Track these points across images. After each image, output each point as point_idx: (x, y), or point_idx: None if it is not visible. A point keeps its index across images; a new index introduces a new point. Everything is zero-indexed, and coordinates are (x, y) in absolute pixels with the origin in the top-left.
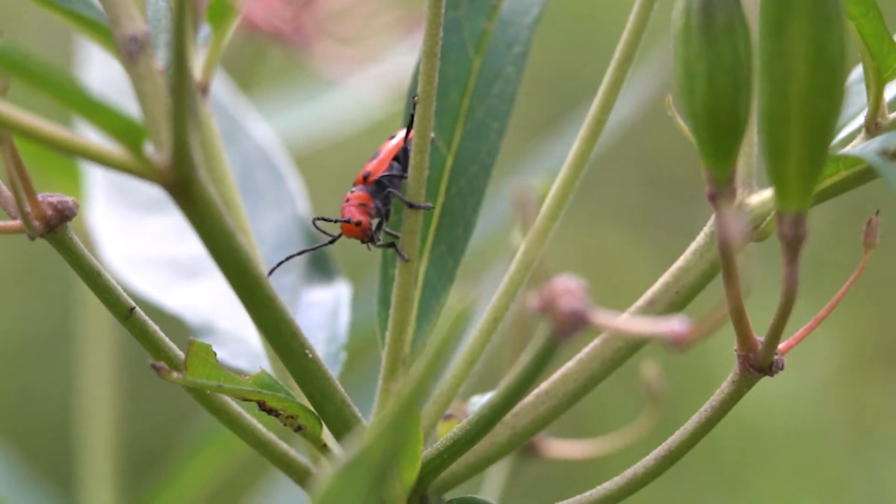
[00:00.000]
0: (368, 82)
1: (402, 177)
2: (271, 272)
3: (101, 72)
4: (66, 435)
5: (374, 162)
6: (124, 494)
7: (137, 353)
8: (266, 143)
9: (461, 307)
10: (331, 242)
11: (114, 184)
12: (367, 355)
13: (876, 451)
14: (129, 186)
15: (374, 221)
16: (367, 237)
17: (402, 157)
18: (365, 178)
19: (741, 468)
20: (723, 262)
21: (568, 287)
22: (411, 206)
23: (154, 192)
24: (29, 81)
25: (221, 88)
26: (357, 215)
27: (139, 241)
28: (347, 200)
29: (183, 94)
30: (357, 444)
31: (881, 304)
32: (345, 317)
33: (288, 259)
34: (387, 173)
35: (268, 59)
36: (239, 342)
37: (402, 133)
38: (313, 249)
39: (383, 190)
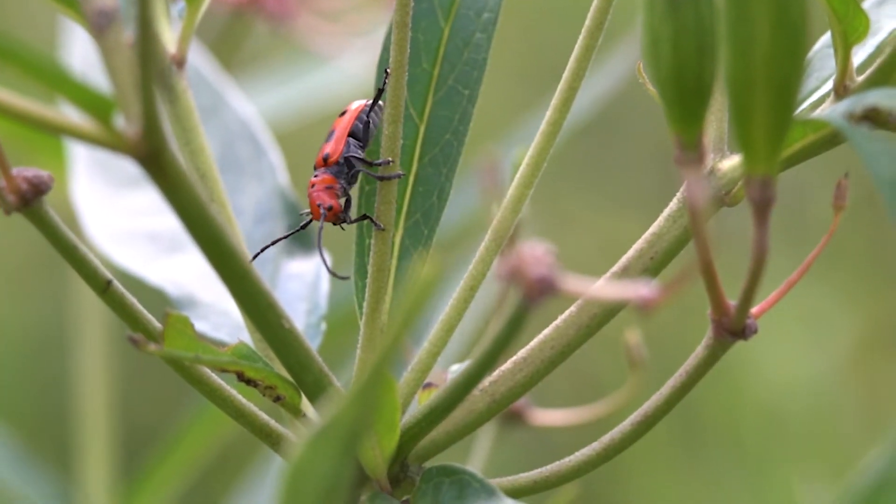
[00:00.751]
0: (354, 56)
1: (361, 155)
2: (254, 258)
3: (83, 49)
4: (63, 415)
5: (331, 142)
6: (121, 472)
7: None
8: (248, 117)
9: (429, 273)
10: (302, 228)
11: (96, 160)
12: (351, 330)
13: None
14: (110, 163)
15: (342, 201)
16: (339, 220)
17: (358, 131)
18: (325, 160)
19: (760, 450)
20: (693, 226)
21: (535, 253)
22: (382, 178)
23: (133, 169)
24: None
25: (205, 64)
26: (327, 200)
27: (121, 216)
28: (313, 186)
29: (150, 67)
30: (328, 410)
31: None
32: (324, 288)
33: (269, 246)
34: (346, 153)
35: (255, 36)
36: (221, 314)
37: (353, 106)
38: (288, 236)
39: (346, 169)
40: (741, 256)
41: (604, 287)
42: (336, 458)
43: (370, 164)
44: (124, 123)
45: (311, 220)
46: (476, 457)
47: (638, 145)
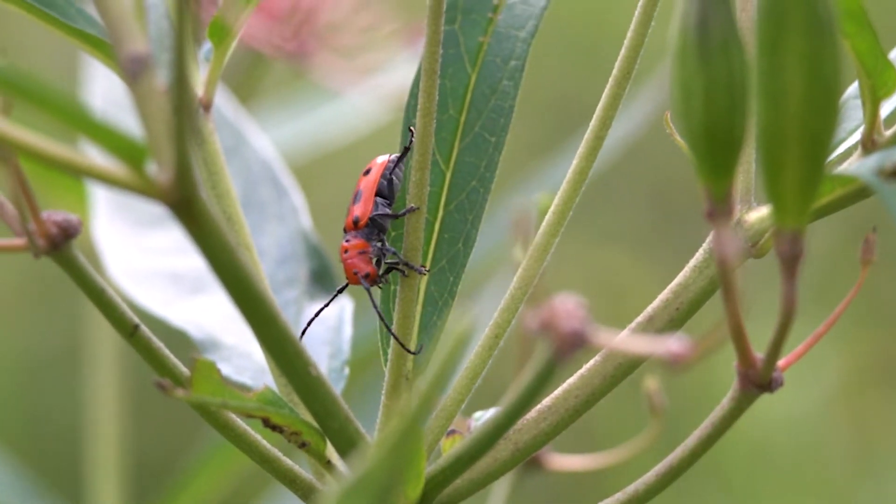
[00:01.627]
0: (368, 92)
1: (389, 211)
2: (302, 335)
3: (105, 86)
4: (75, 449)
5: (360, 204)
6: None
7: (144, 371)
8: (269, 157)
9: (461, 328)
10: (339, 293)
11: (116, 200)
12: (369, 369)
13: (880, 469)
14: (131, 202)
15: (375, 259)
16: (375, 283)
17: (384, 188)
18: (355, 224)
19: (746, 485)
20: (721, 279)
21: (567, 307)
22: (399, 216)
23: (156, 208)
24: (30, 102)
25: (224, 102)
26: (363, 267)
27: (142, 256)
28: (346, 251)
29: (184, 115)
30: (362, 462)
31: (884, 323)
32: (348, 332)
33: (313, 319)
34: (374, 212)
35: (269, 71)
36: (243, 357)
37: (378, 163)
38: (330, 301)
39: (376, 229)
40: (764, 305)
41: (635, 341)
42: None
43: (398, 217)
44: (156, 170)
45: (346, 285)
46: (494, 501)
47: (631, 183)
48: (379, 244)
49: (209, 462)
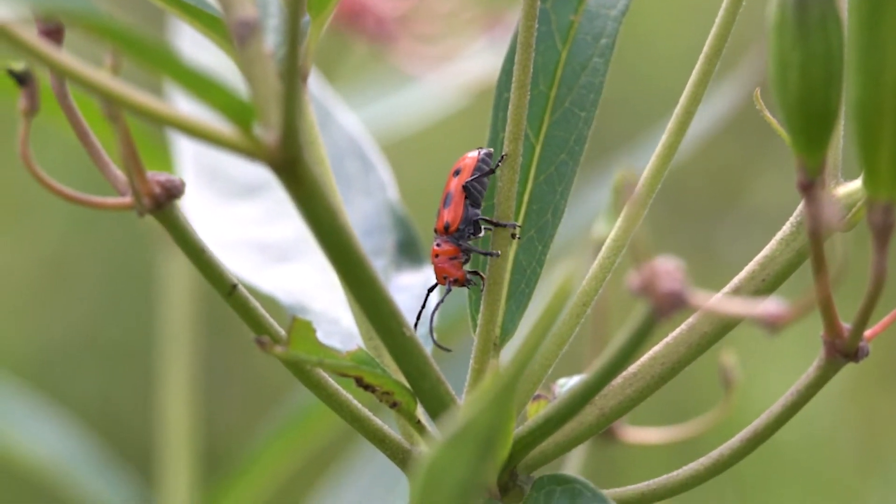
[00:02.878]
0: (446, 78)
1: (479, 215)
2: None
3: (189, 50)
4: (146, 423)
5: (450, 209)
6: (202, 481)
7: (215, 355)
8: (355, 132)
9: (564, 279)
10: (430, 292)
11: (204, 171)
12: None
13: (890, 465)
14: (218, 174)
15: (466, 266)
16: (463, 285)
17: (472, 192)
18: (446, 229)
19: (757, 480)
20: (813, 249)
21: (667, 267)
22: (497, 224)
23: (243, 180)
24: (146, 61)
25: (312, 79)
26: (452, 272)
27: (230, 225)
28: (437, 256)
29: (294, 77)
30: (462, 415)
31: None
32: (433, 301)
33: (425, 315)
34: (465, 217)
35: (350, 54)
36: (332, 322)
37: (466, 163)
38: (440, 304)
39: (465, 233)
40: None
41: (732, 304)
42: (472, 461)
43: (490, 222)
44: (262, 131)
45: (435, 285)
46: (569, 470)
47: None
48: (467, 247)
49: (273, 443)
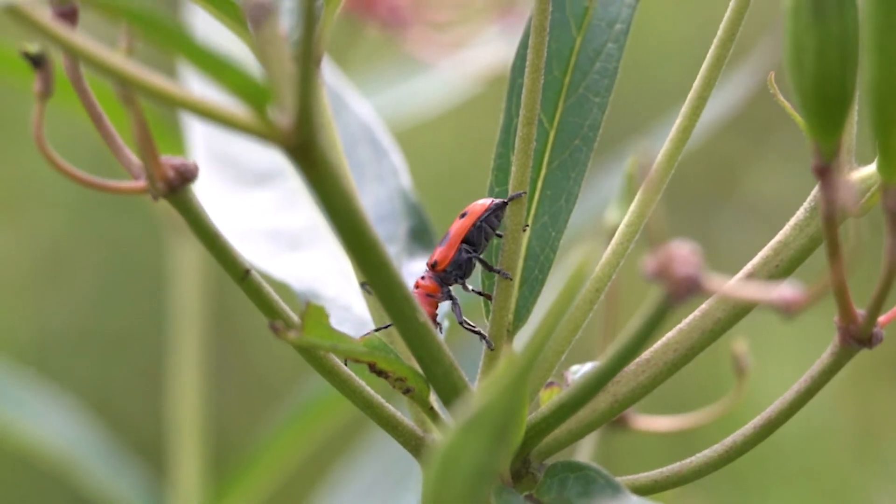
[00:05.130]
0: (458, 66)
1: (472, 256)
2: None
3: (202, 32)
4: (157, 413)
5: (443, 248)
6: (212, 471)
7: (225, 347)
8: (368, 118)
9: (580, 264)
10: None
11: (215, 160)
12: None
13: (888, 456)
14: (230, 163)
15: (445, 303)
16: (436, 324)
17: (473, 236)
18: (433, 266)
19: (755, 472)
20: (827, 234)
21: (683, 252)
22: (496, 271)
23: (255, 169)
24: (161, 42)
25: (324, 65)
26: (427, 309)
27: (241, 214)
28: (417, 287)
29: (309, 59)
30: (477, 400)
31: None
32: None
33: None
34: (456, 259)
35: (362, 41)
36: (344, 309)
37: (474, 209)
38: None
39: (454, 275)
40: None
41: (747, 288)
42: (487, 446)
43: (484, 264)
44: (276, 114)
45: None
46: (581, 458)
47: None
48: (450, 287)
49: (282, 434)
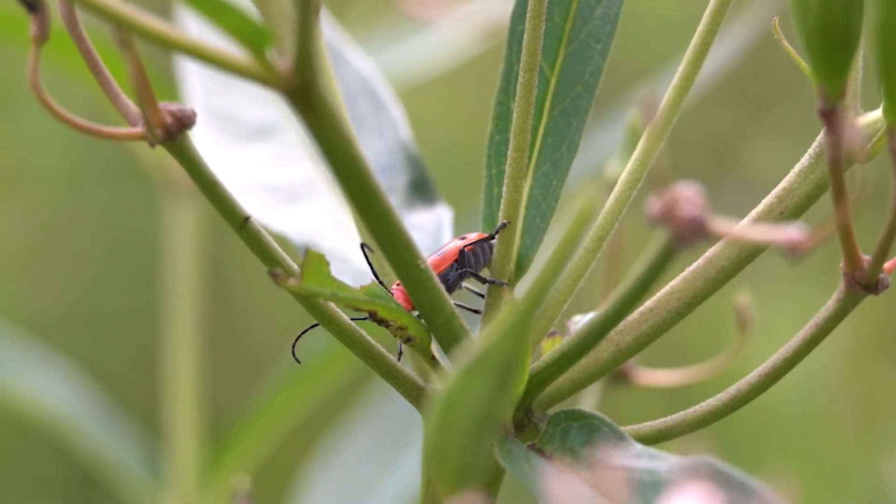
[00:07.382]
0: (456, 24)
1: (459, 275)
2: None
3: None
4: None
5: (433, 262)
6: (208, 436)
7: (219, 318)
8: (366, 72)
9: (584, 205)
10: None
11: (213, 115)
12: None
13: (886, 433)
14: (228, 117)
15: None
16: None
17: (465, 259)
18: None
19: (753, 448)
20: (832, 178)
21: (688, 193)
22: (488, 282)
23: (253, 123)
24: None
25: (322, 20)
26: (405, 304)
27: (239, 168)
28: (398, 284)
29: (308, 2)
30: (480, 343)
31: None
32: (447, 238)
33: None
34: (440, 277)
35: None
36: (343, 261)
37: (471, 236)
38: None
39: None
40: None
41: (753, 229)
42: (490, 390)
43: (478, 278)
44: (275, 57)
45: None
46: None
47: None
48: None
49: (276, 399)
